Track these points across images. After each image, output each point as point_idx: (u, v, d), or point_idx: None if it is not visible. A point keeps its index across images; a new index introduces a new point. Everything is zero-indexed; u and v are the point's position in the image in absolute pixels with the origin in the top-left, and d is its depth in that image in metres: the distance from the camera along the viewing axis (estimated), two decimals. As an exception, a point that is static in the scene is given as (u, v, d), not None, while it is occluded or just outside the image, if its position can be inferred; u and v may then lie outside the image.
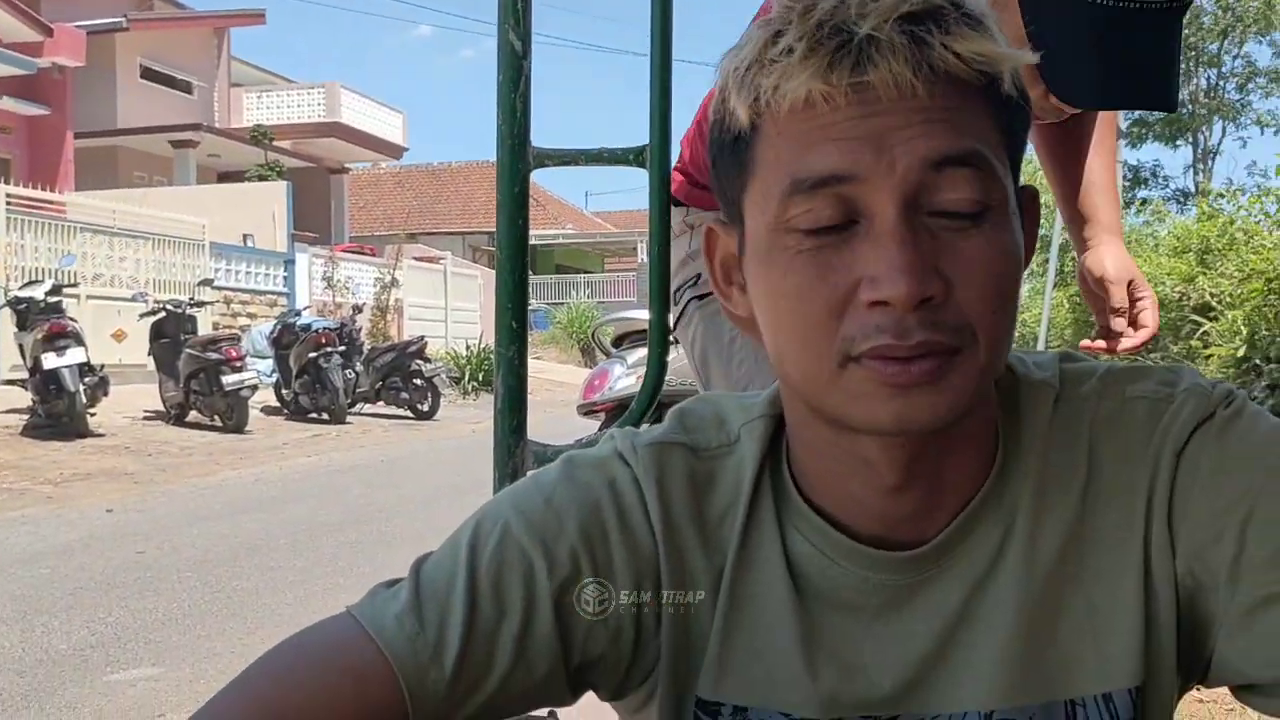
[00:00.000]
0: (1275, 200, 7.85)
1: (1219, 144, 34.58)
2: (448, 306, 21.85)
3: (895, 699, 0.75)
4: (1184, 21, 1.21)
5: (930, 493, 0.74)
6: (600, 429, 4.96)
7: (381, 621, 0.74)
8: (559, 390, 15.65)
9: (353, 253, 21.01)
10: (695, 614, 0.77)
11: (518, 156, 1.57)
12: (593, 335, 5.86)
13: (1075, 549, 0.75)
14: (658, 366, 1.67)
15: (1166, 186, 35.15)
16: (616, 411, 4.86)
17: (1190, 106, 33.75)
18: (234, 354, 10.90)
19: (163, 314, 11.57)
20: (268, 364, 12.88)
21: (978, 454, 0.76)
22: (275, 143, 23.81)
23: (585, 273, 32.68)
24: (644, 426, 1.25)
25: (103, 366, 10.15)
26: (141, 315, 11.85)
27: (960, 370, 0.67)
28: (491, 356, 18.11)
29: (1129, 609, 0.74)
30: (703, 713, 0.77)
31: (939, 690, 0.75)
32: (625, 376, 4.84)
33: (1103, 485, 0.75)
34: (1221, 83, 34.23)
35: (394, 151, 28.44)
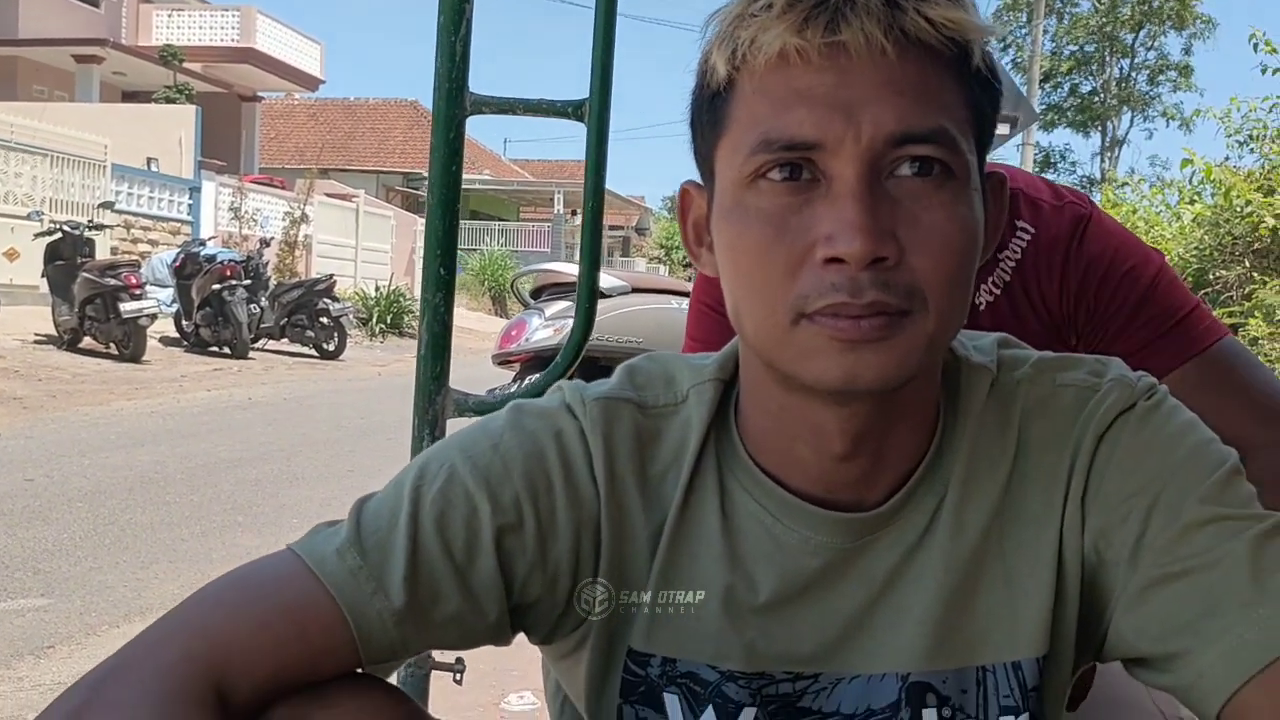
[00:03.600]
0: (1177, 192, 8.12)
1: (1127, 134, 35.63)
2: (358, 246, 21.43)
3: (819, 658, 0.78)
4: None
5: (874, 462, 0.77)
6: (515, 379, 4.95)
7: (322, 555, 0.75)
8: (469, 337, 15.53)
9: (262, 184, 20.44)
10: (632, 567, 0.79)
11: (455, 102, 1.55)
12: (511, 285, 5.82)
13: (999, 524, 0.78)
14: (585, 321, 1.67)
15: (1074, 172, 36.12)
16: (532, 362, 4.86)
17: (1102, 95, 34.60)
18: (133, 281, 10.57)
19: (59, 235, 11.14)
20: (168, 293, 12.49)
21: (920, 428, 0.78)
22: (185, 65, 22.97)
23: (500, 220, 32.33)
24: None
25: (-7, 286, 9.77)
26: (36, 235, 11.41)
27: (909, 333, 0.69)
28: (400, 299, 17.65)
29: (1042, 583, 0.78)
30: (633, 663, 0.80)
31: (861, 651, 0.78)
32: (543, 329, 4.84)
33: (1029, 465, 0.79)
34: (1134, 74, 35.15)
35: (309, 83, 27.66)
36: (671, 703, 0.79)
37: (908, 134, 0.68)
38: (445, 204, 1.63)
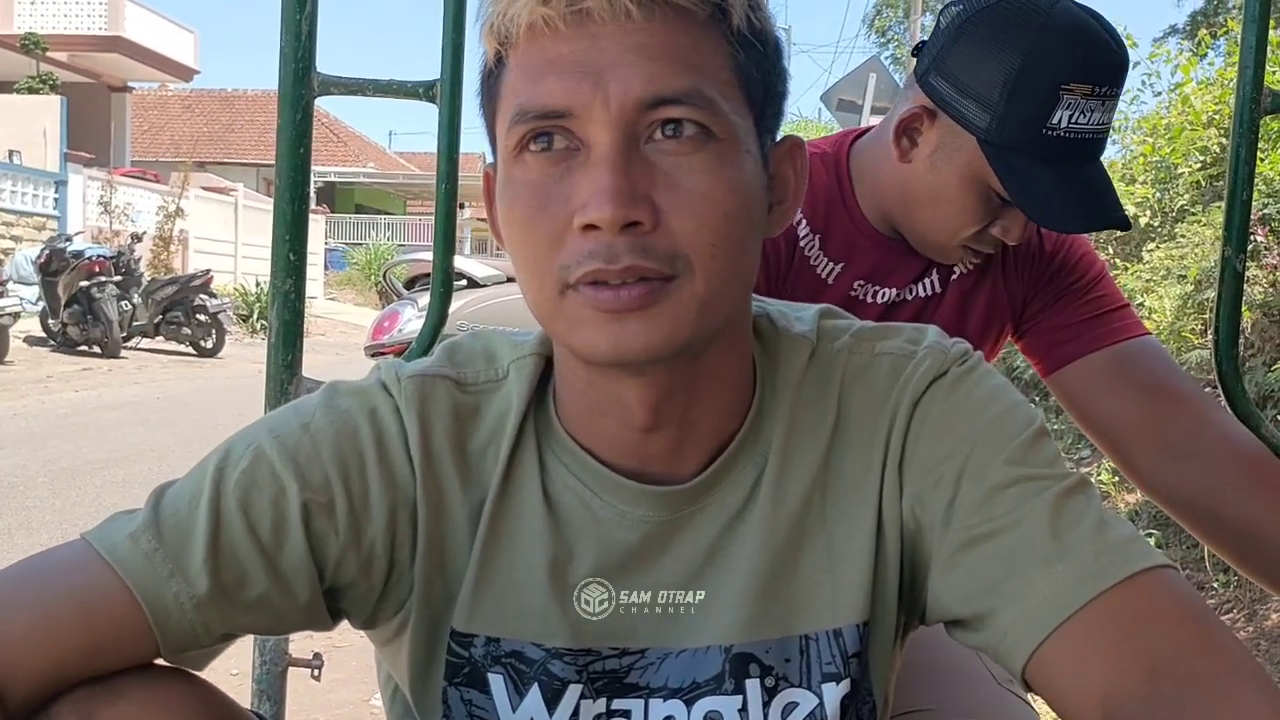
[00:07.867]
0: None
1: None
2: (238, 241, 20.85)
3: (644, 633, 0.78)
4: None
5: (682, 434, 0.77)
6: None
7: (114, 541, 0.72)
8: (354, 333, 15.26)
9: (134, 177, 19.74)
10: (451, 547, 0.78)
11: (301, 82, 1.51)
12: (384, 276, 5.72)
13: (819, 492, 0.79)
14: (439, 309, 1.64)
15: (952, 164, 36.99)
16: (405, 354, 4.79)
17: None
18: (-6, 278, 10.13)
19: (-88, 231, 10.62)
20: (33, 291, 12.00)
21: (731, 400, 0.78)
22: (49, 54, 22.05)
23: (386, 214, 31.81)
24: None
25: None
26: (-113, 231, 10.85)
27: (674, 299, 0.69)
28: (282, 295, 17.26)
29: (862, 549, 0.78)
30: (456, 644, 0.78)
31: (685, 624, 0.78)
32: (416, 319, 4.77)
33: (849, 433, 0.79)
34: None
35: (183, 73, 26.76)
36: (496, 683, 0.78)
37: (657, 97, 0.68)
38: (294, 187, 1.58)
